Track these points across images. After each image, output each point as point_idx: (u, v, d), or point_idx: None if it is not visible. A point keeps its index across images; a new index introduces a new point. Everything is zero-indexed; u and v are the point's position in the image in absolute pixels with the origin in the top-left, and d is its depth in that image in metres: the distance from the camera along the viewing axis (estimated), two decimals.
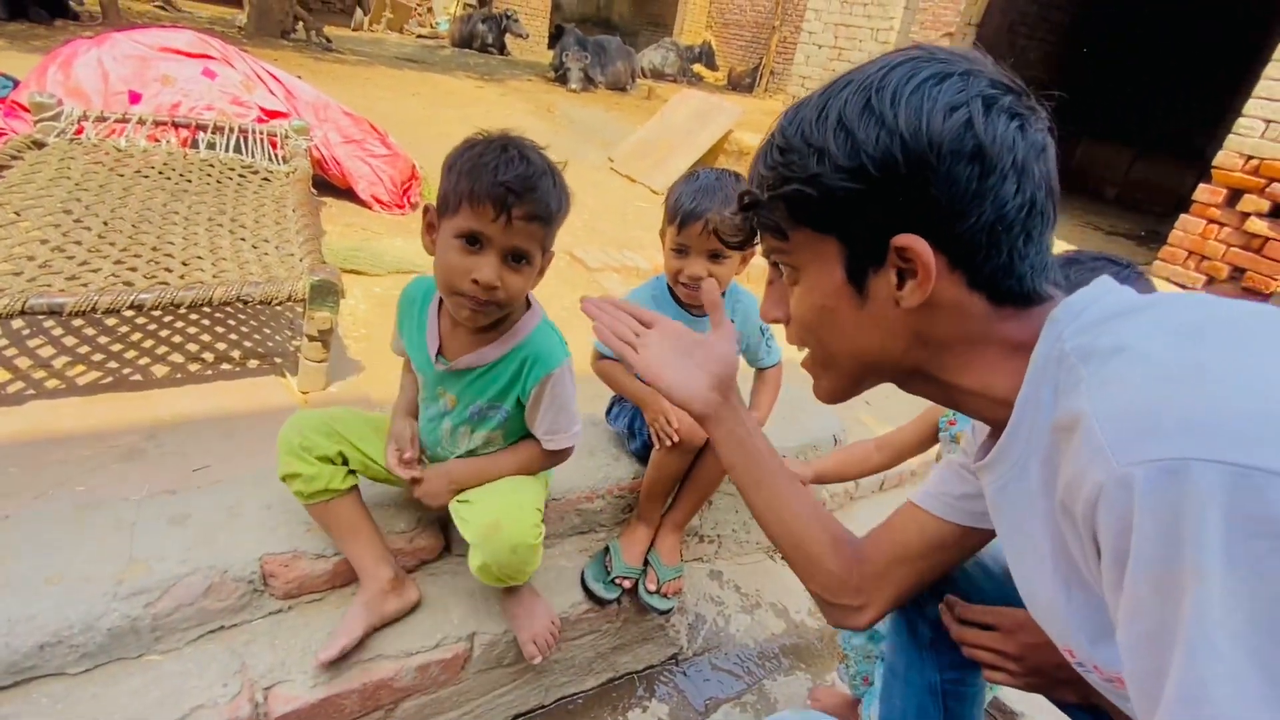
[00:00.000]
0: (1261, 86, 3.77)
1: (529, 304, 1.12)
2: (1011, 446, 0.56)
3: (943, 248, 0.52)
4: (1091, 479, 0.42)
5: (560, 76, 9.40)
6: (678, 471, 1.38)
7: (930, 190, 0.51)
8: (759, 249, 0.69)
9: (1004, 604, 0.78)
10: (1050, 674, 0.73)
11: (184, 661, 1.06)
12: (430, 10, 13.44)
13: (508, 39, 11.61)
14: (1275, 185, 3.78)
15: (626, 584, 1.37)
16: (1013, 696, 1.52)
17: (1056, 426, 0.48)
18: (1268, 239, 3.84)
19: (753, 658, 1.64)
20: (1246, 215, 3.90)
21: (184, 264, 1.80)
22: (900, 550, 0.76)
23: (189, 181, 2.34)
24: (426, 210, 1.01)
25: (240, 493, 1.24)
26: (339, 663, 1.08)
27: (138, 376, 1.86)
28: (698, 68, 12.57)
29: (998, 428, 0.59)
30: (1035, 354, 0.52)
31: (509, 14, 11.58)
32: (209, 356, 1.99)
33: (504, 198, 0.92)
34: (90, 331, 2.00)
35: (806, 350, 0.66)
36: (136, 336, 2.02)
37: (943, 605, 0.82)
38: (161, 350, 1.98)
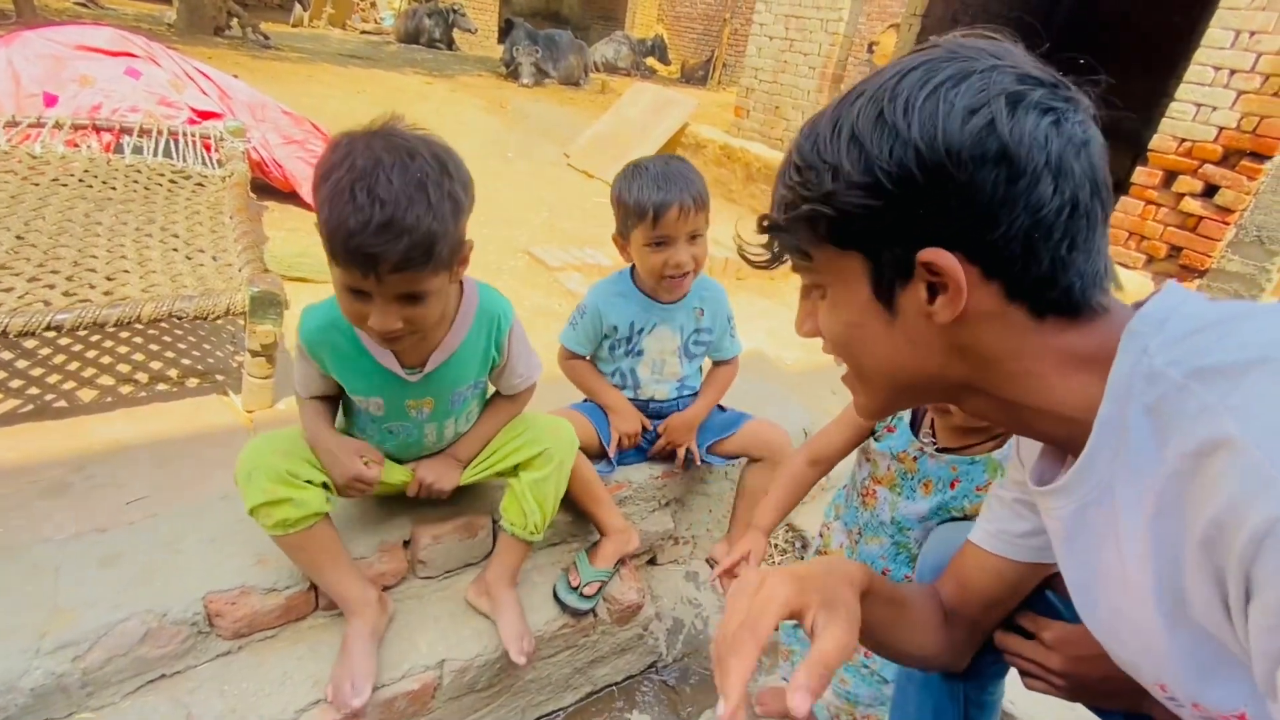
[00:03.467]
0: (1192, 72, 3.92)
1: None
2: (1092, 469, 0.52)
3: (975, 258, 0.49)
4: (1260, 514, 0.38)
5: (512, 71, 9.23)
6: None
7: (952, 200, 0.48)
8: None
9: (1047, 613, 0.77)
10: (1095, 688, 0.73)
11: (122, 717, 0.97)
12: (374, 5, 13.04)
13: (456, 34, 11.36)
14: (1207, 167, 3.94)
15: (590, 590, 1.31)
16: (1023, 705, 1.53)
17: (1187, 453, 0.43)
18: (1201, 218, 4.01)
19: None
20: (1181, 196, 4.06)
21: (109, 279, 1.67)
22: (988, 599, 0.76)
23: (113, 189, 2.18)
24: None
25: (180, 526, 1.14)
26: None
27: (62, 403, 1.72)
28: (651, 61, 12.52)
29: (1064, 447, 0.56)
30: (1116, 370, 0.49)
31: (456, 8, 11.32)
32: (143, 377, 1.86)
33: (366, 260, 0.81)
34: (7, 355, 1.84)
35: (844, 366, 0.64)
36: (60, 359, 1.87)
37: (1002, 634, 0.80)
38: (89, 372, 1.84)
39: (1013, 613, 0.79)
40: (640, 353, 1.43)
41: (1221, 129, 3.85)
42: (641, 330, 1.41)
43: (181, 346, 2.04)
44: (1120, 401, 0.48)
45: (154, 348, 1.99)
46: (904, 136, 0.48)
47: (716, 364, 1.54)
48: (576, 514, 1.44)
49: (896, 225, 0.50)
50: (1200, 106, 3.93)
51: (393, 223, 0.79)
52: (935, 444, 1.05)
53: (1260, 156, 3.75)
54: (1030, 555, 0.72)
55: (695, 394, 1.51)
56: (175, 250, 1.84)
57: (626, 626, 1.42)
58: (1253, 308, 0.47)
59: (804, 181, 0.53)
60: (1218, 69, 3.83)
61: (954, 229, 0.49)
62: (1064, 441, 0.55)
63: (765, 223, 0.59)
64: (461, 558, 1.30)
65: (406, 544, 1.24)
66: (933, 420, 1.06)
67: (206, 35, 7.98)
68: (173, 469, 1.51)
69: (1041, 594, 0.79)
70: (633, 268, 1.41)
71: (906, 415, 1.09)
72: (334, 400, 1.12)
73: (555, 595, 1.32)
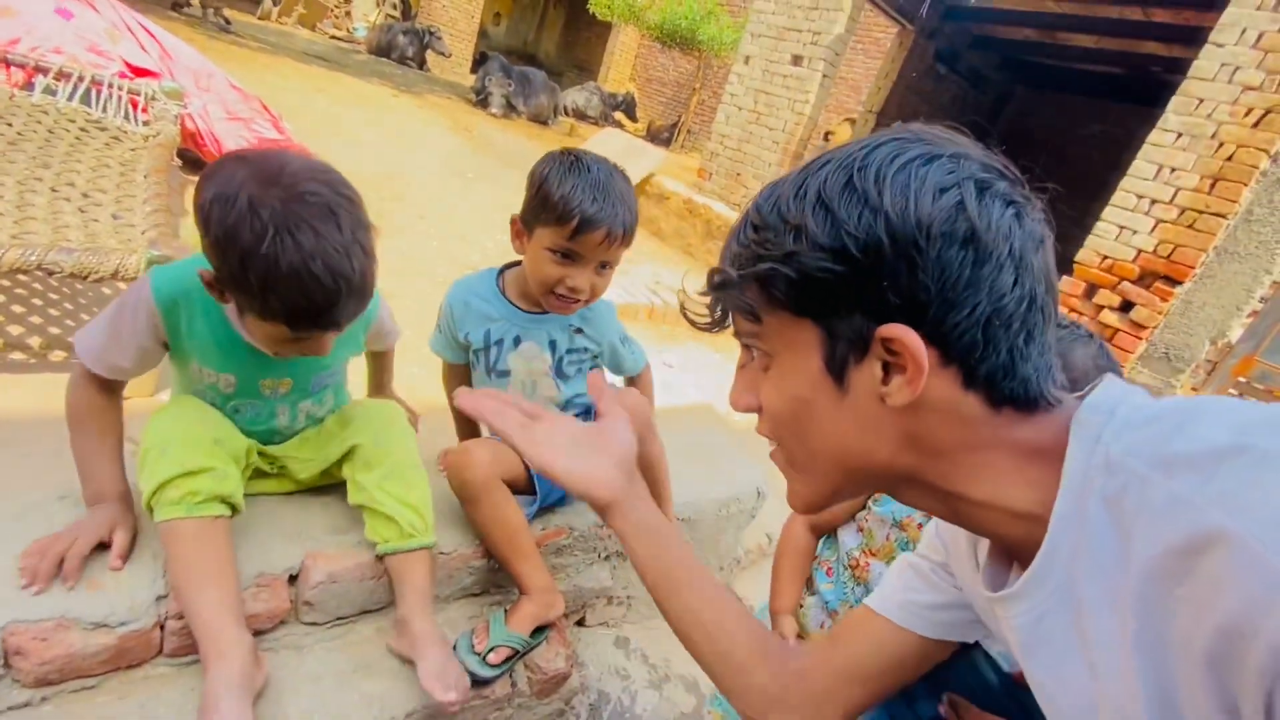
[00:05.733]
0: (1118, 197, 4.28)
1: None
2: (1050, 570, 0.47)
3: (933, 340, 0.47)
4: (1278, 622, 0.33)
5: (481, 100, 9.19)
6: (489, 520, 1.13)
7: (919, 276, 0.46)
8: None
9: (1019, 713, 0.68)
10: None
11: None
12: (348, 14, 12.84)
13: (429, 55, 11.27)
14: (1124, 284, 4.26)
15: (496, 657, 1.08)
16: None
17: (1168, 551, 0.38)
18: (1117, 330, 4.31)
19: None
20: (1101, 308, 4.36)
21: None
22: (851, 667, 0.67)
23: (8, 125, 1.88)
24: (211, 277, 0.82)
25: None
26: None
27: None
28: (619, 115, 12.81)
29: (1014, 546, 0.52)
30: (1070, 462, 0.46)
31: (433, 30, 11.28)
32: None
33: (330, 325, 0.84)
34: None
35: (775, 446, 0.58)
36: None
37: (946, 706, 0.68)
38: None
39: (939, 679, 0.70)
40: (505, 373, 1.22)
41: (1140, 251, 4.19)
42: (500, 342, 1.20)
43: (53, 313, 1.72)
44: (1077, 494, 0.45)
45: (17, 309, 1.67)
46: (874, 204, 0.46)
47: (629, 380, 1.37)
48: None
49: (857, 295, 0.48)
50: (1122, 229, 4.28)
51: (353, 290, 0.81)
52: None
53: (1172, 281, 4.09)
54: (927, 629, 0.66)
55: (587, 410, 1.29)
56: (66, 200, 1.56)
57: (547, 700, 1.21)
58: (1200, 401, 0.45)
59: (762, 240, 0.51)
60: (1140, 197, 4.19)
61: (916, 307, 0.47)
62: (1016, 540, 0.51)
63: (716, 278, 0.55)
64: (359, 603, 1.07)
65: (293, 579, 1.01)
66: None
67: (163, 8, 7.55)
68: (5, 456, 1.21)
69: (970, 664, 0.71)
70: (505, 267, 1.22)
71: None
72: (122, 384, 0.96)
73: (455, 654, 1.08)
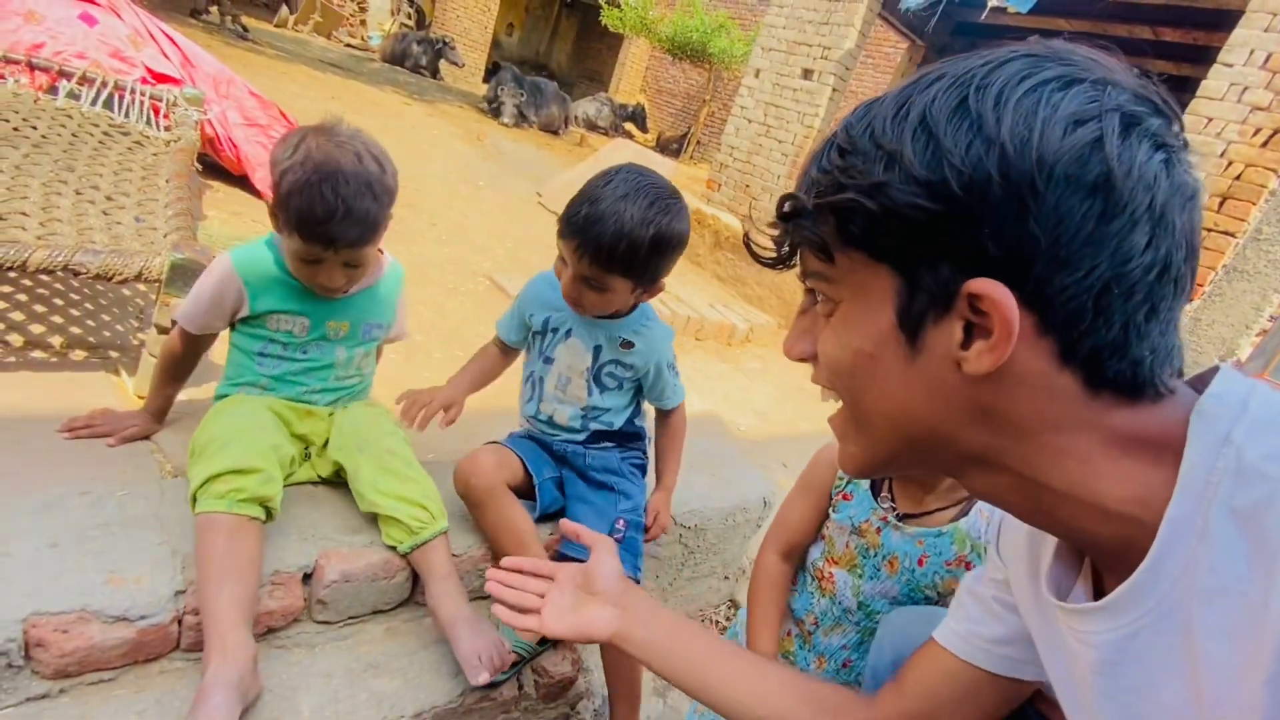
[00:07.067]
0: None
1: None
2: (1155, 584, 0.41)
3: (1032, 304, 0.39)
4: None
5: (493, 109, 9.27)
6: (495, 522, 1.17)
7: (1029, 224, 0.38)
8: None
9: None
10: None
11: None
12: (363, 23, 13.00)
13: (442, 64, 11.40)
14: None
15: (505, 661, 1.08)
16: None
17: None
18: None
19: None
20: None
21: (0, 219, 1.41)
22: (927, 707, 0.65)
23: (33, 128, 1.92)
24: (270, 205, 1.06)
25: (13, 523, 0.90)
26: None
27: None
28: (629, 126, 12.89)
29: (1097, 549, 0.46)
30: (1190, 461, 0.39)
31: (447, 40, 11.42)
32: (15, 339, 1.56)
33: (329, 241, 1.02)
34: None
35: (838, 404, 0.53)
36: None
37: None
38: None
39: None
40: (550, 360, 1.25)
41: None
42: (555, 330, 1.24)
43: (74, 313, 1.75)
44: (1197, 499, 0.39)
45: (39, 308, 1.70)
46: (989, 132, 0.38)
47: (663, 414, 1.38)
48: None
49: (949, 241, 0.40)
50: None
51: (351, 214, 1.01)
52: (896, 511, 0.95)
53: None
54: (994, 665, 0.62)
55: (611, 430, 1.30)
56: (91, 203, 1.59)
57: (553, 704, 1.22)
58: None
59: (847, 166, 0.43)
60: None
61: (1018, 262, 0.39)
62: (1101, 542, 0.45)
63: (787, 205, 0.48)
64: (371, 603, 1.09)
65: (307, 578, 1.03)
66: (891, 484, 0.96)
67: (182, 15, 7.66)
68: (26, 452, 1.23)
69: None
70: None
71: (866, 480, 0.98)
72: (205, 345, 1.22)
73: None
